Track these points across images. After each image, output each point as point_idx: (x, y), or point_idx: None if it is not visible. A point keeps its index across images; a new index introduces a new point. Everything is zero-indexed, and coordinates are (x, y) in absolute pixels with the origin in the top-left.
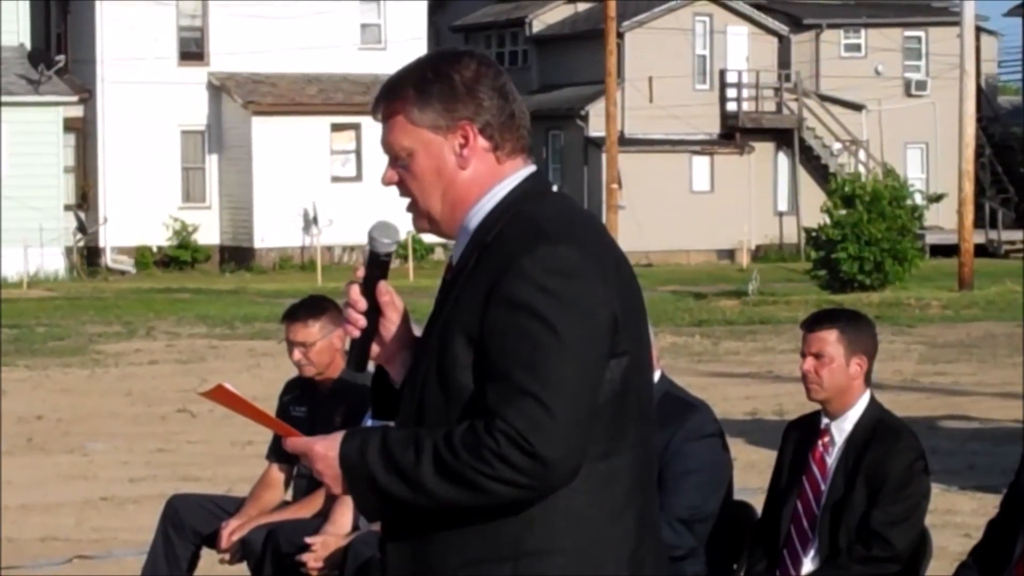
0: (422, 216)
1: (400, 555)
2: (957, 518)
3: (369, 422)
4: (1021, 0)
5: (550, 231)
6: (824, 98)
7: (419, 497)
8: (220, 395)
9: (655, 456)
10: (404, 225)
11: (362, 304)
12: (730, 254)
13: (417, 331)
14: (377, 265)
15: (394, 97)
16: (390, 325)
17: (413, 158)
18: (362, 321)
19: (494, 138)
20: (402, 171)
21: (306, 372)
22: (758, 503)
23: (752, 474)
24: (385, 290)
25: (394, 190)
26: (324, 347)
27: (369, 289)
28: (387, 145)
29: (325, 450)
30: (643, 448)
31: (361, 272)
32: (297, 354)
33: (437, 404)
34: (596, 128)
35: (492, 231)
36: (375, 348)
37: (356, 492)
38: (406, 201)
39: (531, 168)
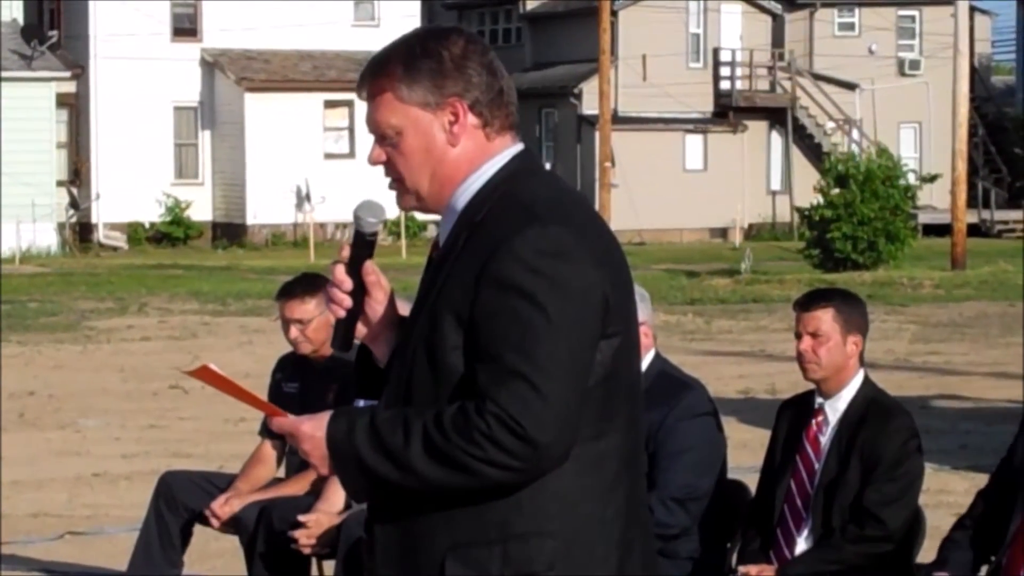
0: (410, 194)
1: (387, 537)
2: (950, 498)
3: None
4: None
5: (541, 212)
6: (818, 77)
7: (408, 479)
8: (205, 375)
9: (643, 437)
10: (391, 204)
11: (348, 284)
12: (723, 233)
13: (404, 309)
14: (363, 244)
15: (381, 75)
16: (376, 305)
17: (402, 136)
18: (347, 301)
19: (484, 115)
20: (390, 150)
21: (302, 349)
22: (751, 482)
23: (745, 453)
24: (371, 270)
25: None
26: (321, 324)
27: (355, 269)
28: (374, 124)
29: (312, 430)
30: (632, 429)
31: (346, 252)
32: (294, 331)
33: (426, 385)
34: (589, 106)
35: (481, 211)
36: (360, 328)
37: (343, 473)
38: (391, 179)
39: (519, 146)
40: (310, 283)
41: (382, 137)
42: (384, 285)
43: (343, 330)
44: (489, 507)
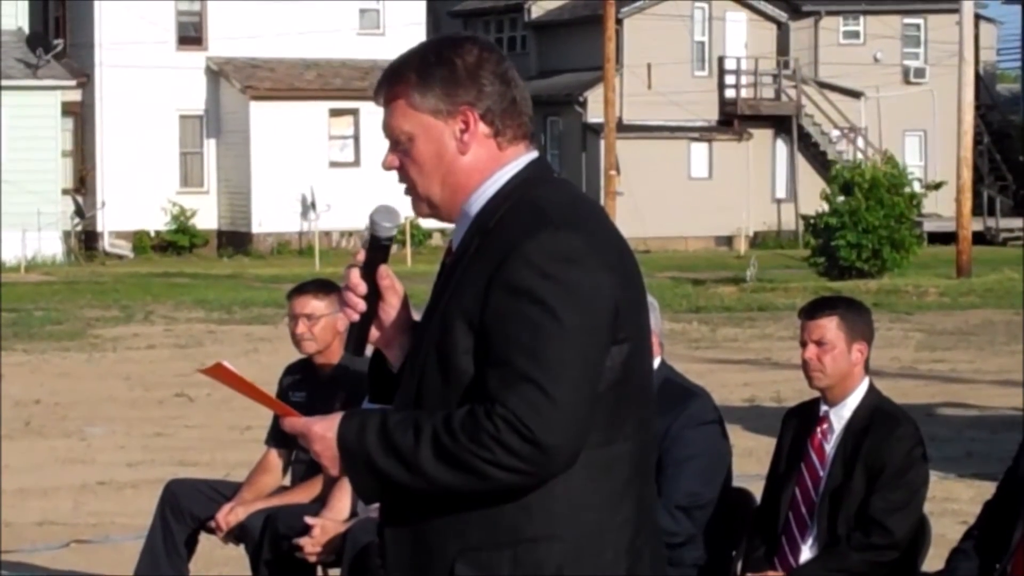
0: (422, 200)
1: (398, 541)
2: (955, 505)
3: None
4: None
5: (553, 217)
6: (823, 85)
7: (417, 480)
8: (220, 373)
9: (654, 443)
10: (404, 209)
11: (362, 288)
12: (728, 241)
13: (416, 315)
14: (378, 249)
15: (396, 81)
16: (390, 309)
17: (413, 143)
18: (362, 305)
19: (495, 124)
20: (402, 156)
21: (307, 348)
22: (756, 490)
23: (750, 461)
24: (386, 274)
25: (392, 175)
26: (328, 324)
27: (369, 273)
28: (388, 129)
29: (323, 431)
30: (642, 436)
31: (361, 256)
32: (301, 327)
33: (436, 389)
34: (595, 114)
35: (494, 216)
36: (374, 332)
37: (353, 474)
38: (404, 185)
39: (533, 154)
40: (323, 285)
41: (395, 143)
42: (398, 289)
43: (357, 334)
44: (499, 511)
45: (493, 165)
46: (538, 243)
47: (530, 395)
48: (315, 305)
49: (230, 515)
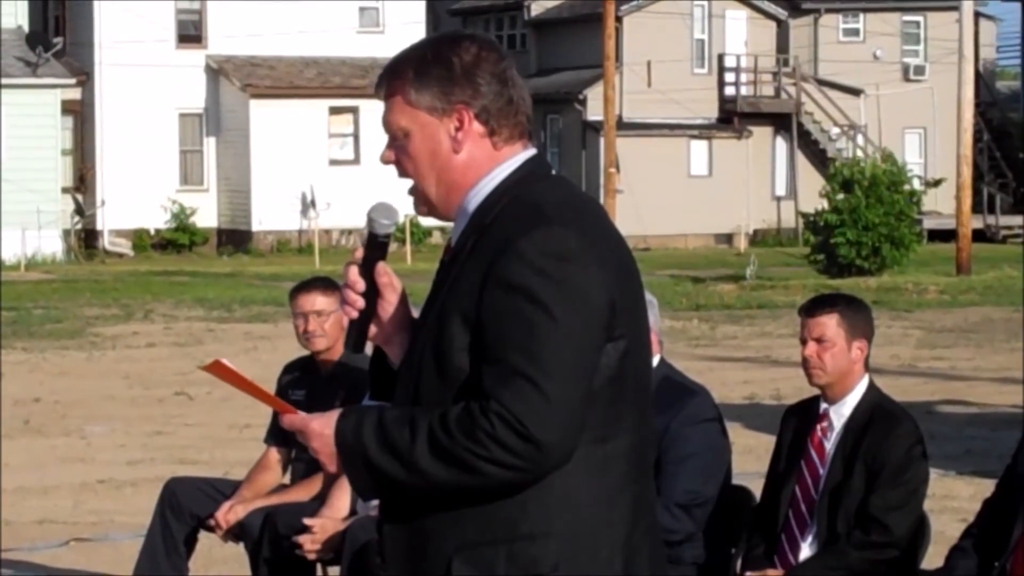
0: (420, 198)
1: (396, 537)
2: (955, 503)
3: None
4: None
5: (549, 214)
6: (822, 83)
7: (413, 477)
8: (218, 370)
9: (653, 441)
10: (403, 207)
11: (361, 285)
12: (728, 238)
13: (415, 313)
14: (376, 246)
15: (394, 78)
16: (388, 306)
17: (409, 139)
18: (360, 302)
19: (490, 123)
20: (399, 151)
21: (317, 345)
22: (756, 488)
23: (750, 459)
24: (384, 271)
25: (392, 172)
26: (337, 320)
27: (368, 270)
28: (386, 125)
29: (321, 428)
30: (640, 433)
31: (360, 253)
32: (312, 323)
33: (433, 386)
34: (594, 112)
35: (491, 213)
36: (373, 329)
37: (351, 470)
38: (405, 184)
39: (531, 152)
40: (328, 282)
41: (392, 138)
42: (396, 286)
43: (356, 331)
44: (495, 507)
45: (489, 163)
46: (533, 240)
47: (525, 392)
48: (323, 302)
49: (229, 513)
